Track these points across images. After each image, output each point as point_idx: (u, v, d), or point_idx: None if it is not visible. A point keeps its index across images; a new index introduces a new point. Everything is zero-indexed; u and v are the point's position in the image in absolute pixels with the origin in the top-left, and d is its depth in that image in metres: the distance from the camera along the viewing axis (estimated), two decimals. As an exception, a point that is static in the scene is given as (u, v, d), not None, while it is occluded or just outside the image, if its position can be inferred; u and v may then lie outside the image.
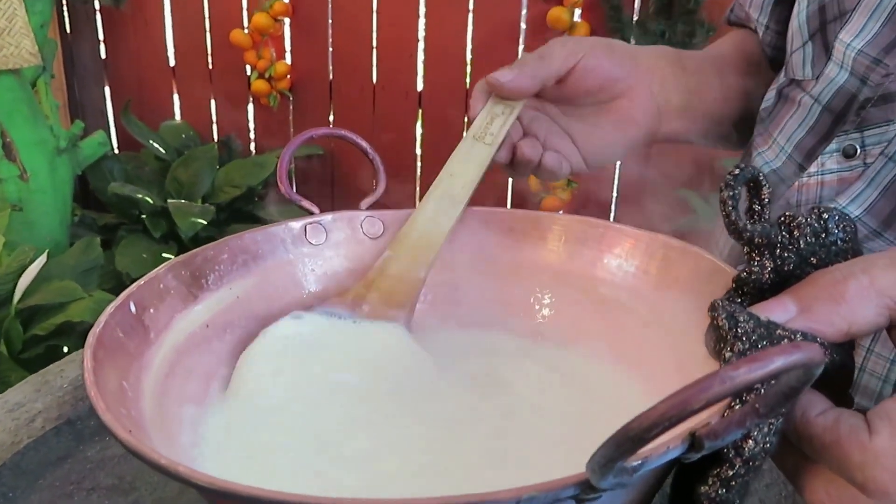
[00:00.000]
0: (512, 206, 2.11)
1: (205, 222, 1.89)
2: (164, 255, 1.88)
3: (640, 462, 0.23)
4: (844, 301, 0.28)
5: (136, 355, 0.35)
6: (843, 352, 0.29)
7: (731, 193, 0.32)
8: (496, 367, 0.45)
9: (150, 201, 1.99)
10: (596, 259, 0.46)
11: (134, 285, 0.37)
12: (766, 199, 0.33)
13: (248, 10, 2.20)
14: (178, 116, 2.44)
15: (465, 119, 2.11)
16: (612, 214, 2.03)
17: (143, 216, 2.01)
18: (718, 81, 0.62)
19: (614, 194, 2.02)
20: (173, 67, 2.37)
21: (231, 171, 2.19)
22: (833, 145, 0.51)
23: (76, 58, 2.36)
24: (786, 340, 0.27)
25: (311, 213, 0.48)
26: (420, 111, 2.16)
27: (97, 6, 2.29)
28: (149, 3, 2.28)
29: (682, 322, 0.39)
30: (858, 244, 0.33)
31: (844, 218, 0.33)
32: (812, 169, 0.52)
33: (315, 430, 0.38)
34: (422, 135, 2.19)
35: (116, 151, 2.45)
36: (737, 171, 0.32)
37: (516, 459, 0.37)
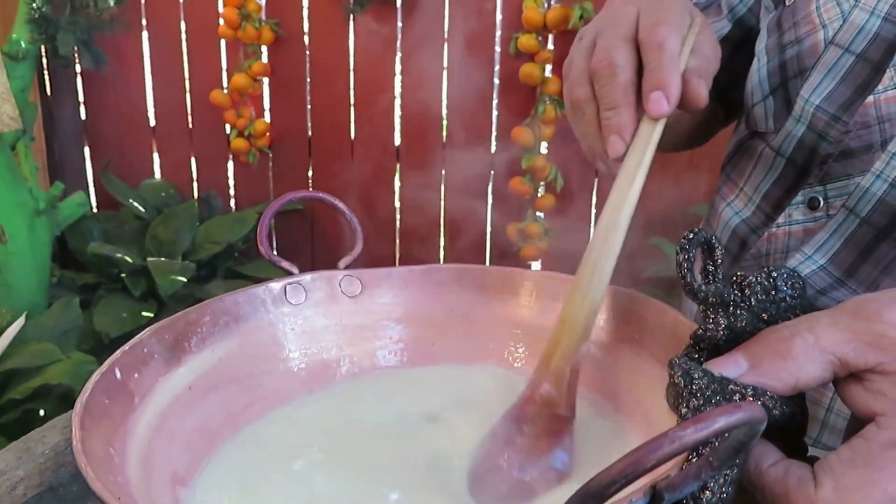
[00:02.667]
0: (491, 255, 2.14)
1: (185, 279, 1.89)
2: (144, 313, 1.88)
3: (603, 514, 0.24)
4: (791, 358, 0.30)
5: (122, 421, 0.36)
6: (793, 404, 0.31)
7: (685, 256, 0.34)
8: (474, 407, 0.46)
9: (130, 260, 1.99)
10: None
11: (119, 351, 0.38)
12: (719, 261, 0.36)
13: (227, 70, 2.24)
14: (158, 175, 2.46)
15: (443, 172, 2.15)
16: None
17: (123, 275, 2.00)
18: None
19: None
20: (153, 127, 2.39)
21: (211, 228, 2.20)
22: (799, 197, 0.54)
23: (56, 120, 2.38)
24: (738, 396, 0.29)
25: (291, 274, 0.50)
26: (398, 165, 2.20)
27: (78, 69, 2.32)
28: (129, 65, 2.32)
29: (646, 374, 0.41)
30: (807, 300, 0.35)
31: (793, 275, 0.35)
32: (780, 220, 0.55)
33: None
34: (400, 189, 2.23)
35: (95, 211, 2.45)
36: (691, 235, 0.35)
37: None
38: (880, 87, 0.49)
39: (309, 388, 0.47)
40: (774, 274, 0.35)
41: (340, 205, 0.54)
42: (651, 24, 0.44)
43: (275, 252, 0.52)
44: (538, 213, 1.98)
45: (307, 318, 0.50)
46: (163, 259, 2.01)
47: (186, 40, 2.26)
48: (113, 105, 2.39)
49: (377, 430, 0.44)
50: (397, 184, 2.22)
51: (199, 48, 2.26)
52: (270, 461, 0.41)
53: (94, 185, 2.48)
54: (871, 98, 0.49)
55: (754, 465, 0.29)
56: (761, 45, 0.60)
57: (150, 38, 2.30)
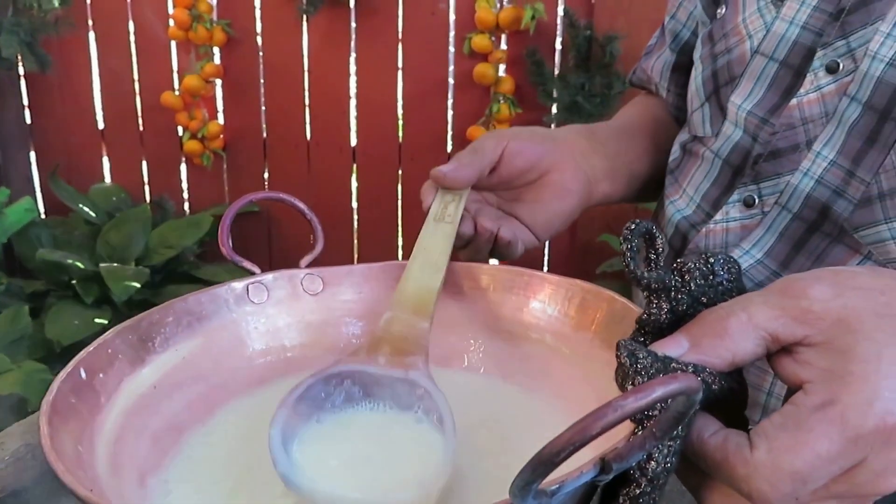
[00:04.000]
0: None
1: (139, 285, 1.86)
2: (97, 320, 1.85)
3: (557, 486, 0.26)
4: (727, 335, 0.33)
5: (89, 420, 0.36)
6: (731, 379, 0.34)
7: (629, 246, 0.36)
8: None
9: (81, 266, 1.95)
10: (522, 305, 0.50)
11: (84, 351, 0.39)
12: (661, 249, 0.38)
13: (178, 72, 2.21)
14: (108, 179, 2.41)
15: (400, 172, 2.16)
16: (545, 258, 2.10)
17: (74, 282, 1.96)
18: (631, 144, 0.69)
19: (546, 244, 2.09)
20: (102, 130, 2.35)
21: (165, 232, 2.18)
22: (735, 196, 0.57)
23: (1, 124, 2.32)
24: (680, 373, 0.31)
25: (253, 273, 0.51)
26: (354, 166, 2.21)
27: (22, 72, 2.27)
28: (75, 67, 2.28)
29: (598, 359, 0.43)
30: (742, 283, 0.38)
31: (729, 261, 0.38)
32: (718, 217, 0.58)
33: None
34: (357, 188, 2.23)
35: (44, 217, 2.39)
36: (633, 227, 0.37)
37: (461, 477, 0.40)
38: (802, 90, 0.52)
39: (272, 383, 0.48)
40: (712, 260, 0.37)
41: (301, 205, 0.55)
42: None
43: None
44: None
45: (270, 316, 0.50)
46: (115, 264, 1.97)
47: (135, 42, 2.23)
48: (59, 108, 2.34)
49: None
50: (354, 184, 2.22)
51: (149, 49, 2.22)
52: (233, 453, 0.42)
53: (42, 191, 2.43)
54: (794, 101, 0.53)
55: (696, 436, 0.31)
56: (697, 54, 0.63)
57: (96, 40, 2.26)
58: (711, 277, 0.37)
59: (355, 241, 2.28)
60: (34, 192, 2.42)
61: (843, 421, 0.29)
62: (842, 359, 0.30)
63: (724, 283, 0.37)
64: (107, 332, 0.41)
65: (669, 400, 0.29)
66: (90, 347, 0.39)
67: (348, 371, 0.43)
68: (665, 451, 0.29)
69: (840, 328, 0.31)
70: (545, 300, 0.50)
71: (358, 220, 2.26)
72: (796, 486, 0.29)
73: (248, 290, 0.50)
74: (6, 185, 2.10)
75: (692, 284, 0.36)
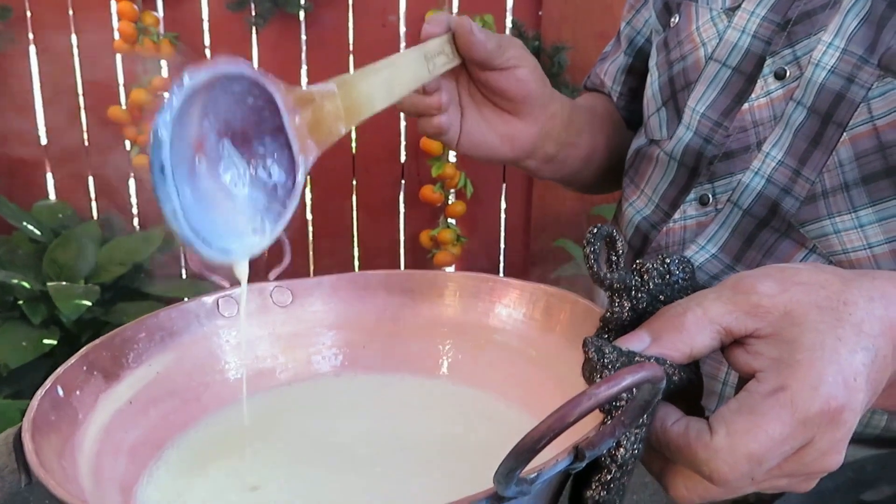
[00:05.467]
0: (406, 262, 2.17)
1: (89, 303, 1.82)
2: (46, 341, 1.79)
3: (536, 473, 0.28)
4: (685, 330, 0.35)
5: (69, 436, 0.37)
6: (689, 371, 0.36)
7: (591, 249, 0.39)
8: (403, 405, 0.49)
9: (27, 286, 1.90)
10: (488, 310, 0.52)
11: (60, 368, 0.39)
12: (621, 251, 0.40)
13: (125, 86, 2.18)
14: (52, 196, 2.35)
15: (354, 182, 2.16)
16: (501, 264, 2.13)
17: (20, 302, 1.90)
18: (588, 139, 0.71)
19: (502, 246, 2.12)
20: (45, 146, 2.29)
21: (115, 249, 2.13)
22: (691, 195, 0.60)
23: (-63, 140, 2.24)
24: (645, 362, 0.34)
25: (222, 287, 0.51)
26: (308, 178, 2.20)
27: (-42, 86, 2.20)
28: (16, 81, 2.21)
29: (564, 359, 0.45)
30: (696, 281, 0.40)
31: (683, 261, 0.40)
32: (676, 216, 0.61)
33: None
34: (311, 201, 2.22)
35: (-16, 236, 2.32)
36: (595, 230, 0.39)
37: (428, 482, 0.41)
38: (753, 95, 0.56)
39: (248, 395, 0.49)
40: (668, 260, 0.39)
41: (267, 218, 0.56)
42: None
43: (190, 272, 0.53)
44: (450, 220, 2.03)
45: (240, 330, 0.51)
46: (64, 283, 1.92)
47: (79, 55, 2.18)
48: (-1, 123, 2.27)
49: (314, 432, 0.46)
50: (308, 196, 2.22)
51: (93, 63, 2.18)
52: (209, 463, 0.42)
53: (-18, 210, 2.35)
54: (746, 105, 0.56)
55: (660, 424, 0.33)
56: (653, 61, 0.66)
57: (38, 54, 2.20)
58: (668, 276, 0.39)
59: (311, 254, 2.27)
60: (-26, 211, 2.34)
61: (793, 404, 0.31)
62: (789, 348, 0.33)
63: (680, 281, 0.39)
64: (82, 349, 0.41)
65: (635, 389, 0.31)
66: (66, 365, 0.40)
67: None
68: (632, 438, 0.31)
69: (787, 320, 0.34)
70: (510, 304, 0.51)
71: (313, 233, 2.26)
72: (752, 467, 0.31)
73: (218, 304, 0.51)
74: (-56, 205, 2.03)
75: (651, 284, 0.39)
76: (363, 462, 0.44)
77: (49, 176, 2.34)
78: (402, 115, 2.09)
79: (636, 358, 0.34)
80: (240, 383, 0.50)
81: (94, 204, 2.34)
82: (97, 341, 0.43)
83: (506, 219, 2.09)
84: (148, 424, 0.43)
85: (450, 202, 2.02)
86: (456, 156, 2.04)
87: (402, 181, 2.13)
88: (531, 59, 0.61)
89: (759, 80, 0.56)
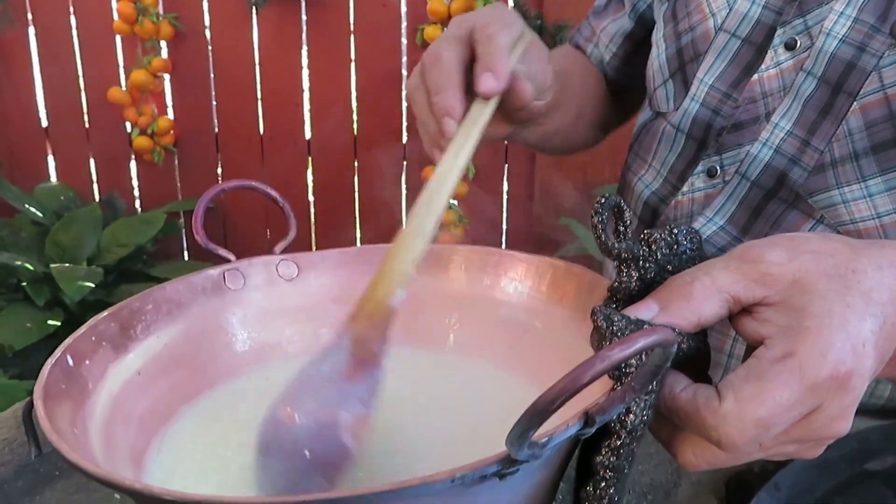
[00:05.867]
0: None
1: (92, 285, 1.82)
2: (50, 322, 1.80)
3: (548, 438, 0.28)
4: (693, 299, 0.35)
5: (80, 405, 0.37)
6: (697, 340, 0.36)
7: (599, 219, 0.39)
8: (409, 378, 0.49)
9: (31, 267, 1.90)
10: (494, 283, 0.52)
11: (69, 338, 0.39)
12: (628, 222, 0.40)
13: (125, 67, 2.17)
14: (53, 178, 2.35)
15: (356, 164, 2.16)
16: (503, 245, 2.13)
17: (24, 284, 1.91)
18: (576, 106, 0.70)
19: (504, 227, 2.12)
20: (46, 128, 2.28)
21: (117, 231, 2.13)
22: (699, 167, 0.60)
23: (-63, 123, 2.23)
24: (657, 326, 0.34)
25: (228, 261, 0.51)
26: (310, 159, 2.20)
27: (-42, 68, 2.19)
28: (16, 63, 2.20)
29: (571, 331, 0.45)
30: (704, 252, 0.40)
31: (691, 231, 0.40)
32: (684, 188, 0.61)
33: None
34: (313, 182, 2.22)
35: (-14, 219, 2.32)
36: (602, 200, 0.39)
37: (438, 452, 0.41)
38: (763, 66, 0.56)
39: (253, 368, 0.49)
40: (675, 231, 0.39)
41: (273, 193, 0.56)
42: (483, 25, 0.49)
43: (198, 246, 0.53)
44: (452, 201, 2.02)
45: (247, 302, 0.51)
46: (67, 265, 1.92)
47: (78, 36, 2.17)
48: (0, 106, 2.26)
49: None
50: (310, 177, 2.21)
51: (93, 44, 2.17)
52: (217, 432, 0.43)
53: (-16, 193, 2.35)
54: (756, 76, 0.56)
55: (668, 391, 0.34)
56: (659, 34, 0.66)
57: (37, 35, 2.19)
58: (676, 247, 0.39)
59: (313, 236, 2.27)
60: (-24, 193, 2.34)
61: (801, 370, 0.31)
62: (798, 316, 0.33)
63: (688, 251, 0.39)
64: (90, 320, 0.42)
65: (645, 355, 0.31)
66: (76, 334, 0.40)
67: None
68: (642, 404, 0.31)
69: (795, 289, 0.34)
70: (517, 278, 0.51)
71: (315, 214, 2.25)
72: (760, 432, 0.31)
73: (224, 276, 0.51)
74: (-55, 187, 2.03)
75: (658, 254, 0.39)
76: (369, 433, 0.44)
77: (50, 158, 2.34)
78: (403, 95, 2.08)
79: (645, 326, 0.34)
80: (247, 355, 0.50)
81: (95, 186, 2.34)
82: (105, 312, 0.43)
83: (508, 199, 2.09)
84: (157, 395, 0.44)
85: (452, 183, 2.01)
86: (458, 136, 2.03)
87: (405, 162, 2.13)
88: (546, 69, 0.54)
89: (769, 51, 0.55)
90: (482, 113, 0.47)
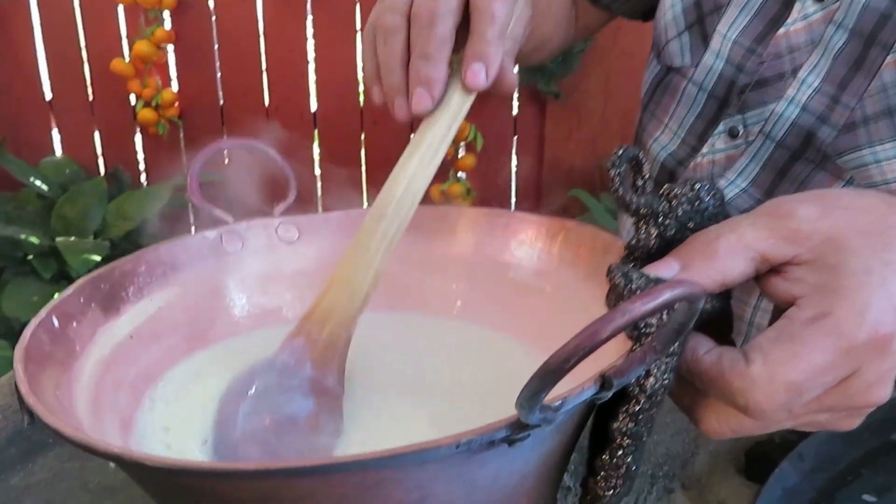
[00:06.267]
0: (414, 219, 2.14)
1: (99, 258, 1.81)
2: (56, 295, 1.79)
3: (561, 401, 0.26)
4: (718, 257, 0.33)
5: (66, 368, 0.35)
6: (721, 300, 0.34)
7: (616, 171, 0.36)
8: (414, 344, 0.47)
9: (36, 241, 1.89)
10: (503, 246, 0.50)
11: (56, 298, 0.37)
12: (647, 175, 0.38)
13: (128, 37, 2.13)
14: (58, 151, 2.33)
15: (363, 136, 2.13)
16: (511, 221, 2.10)
17: (30, 257, 1.90)
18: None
19: (513, 199, 2.09)
20: (50, 101, 2.26)
21: (122, 204, 2.11)
22: (720, 127, 0.57)
23: (-60, 96, 2.21)
24: (683, 279, 0.31)
25: (226, 222, 0.49)
26: (316, 132, 2.17)
27: (-40, 40, 2.16)
28: (17, 34, 2.18)
29: (584, 294, 0.43)
30: (726, 210, 0.38)
31: (714, 187, 0.38)
32: (704, 150, 0.58)
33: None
34: (319, 155, 2.19)
35: (-7, 193, 2.31)
36: (620, 152, 0.36)
37: (443, 418, 0.40)
38: (790, 19, 0.53)
39: (250, 332, 0.47)
40: (697, 186, 0.37)
41: (273, 152, 0.53)
42: None
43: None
44: (459, 174, 1.99)
45: (245, 266, 0.49)
46: (73, 238, 1.91)
47: (80, 6, 2.13)
48: (2, 79, 2.24)
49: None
50: (316, 151, 2.18)
51: (95, 15, 2.13)
52: (210, 392, 0.41)
53: (-10, 166, 2.33)
54: (782, 30, 0.53)
55: (691, 354, 0.31)
56: None
57: (38, 5, 2.16)
58: (697, 203, 0.37)
59: (319, 210, 2.24)
60: (-19, 167, 2.32)
61: (837, 332, 0.29)
62: (833, 274, 0.30)
63: (710, 208, 0.37)
64: (77, 280, 0.40)
65: (665, 314, 0.29)
66: (63, 294, 0.38)
67: None
68: (662, 367, 0.29)
69: (829, 246, 0.31)
70: (526, 240, 0.49)
71: (321, 189, 2.23)
72: (791, 398, 0.29)
73: (221, 238, 0.49)
74: (-50, 160, 2.01)
75: (679, 210, 0.36)
76: (370, 399, 0.43)
77: (55, 132, 2.32)
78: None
79: (666, 284, 0.32)
80: (245, 320, 0.48)
81: (100, 160, 2.32)
82: (94, 273, 0.41)
83: (517, 171, 2.05)
84: (150, 360, 0.42)
85: (459, 156, 1.98)
86: (466, 108, 2.00)
87: (412, 134, 2.09)
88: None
89: (796, 3, 0.52)
90: (462, 106, 0.42)
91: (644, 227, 0.36)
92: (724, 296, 0.34)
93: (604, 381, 0.27)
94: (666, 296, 0.22)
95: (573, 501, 0.44)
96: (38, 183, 2.13)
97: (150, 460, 0.24)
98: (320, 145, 2.18)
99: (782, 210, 0.33)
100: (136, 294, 0.43)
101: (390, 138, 2.11)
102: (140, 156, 2.30)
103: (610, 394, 0.28)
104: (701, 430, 0.32)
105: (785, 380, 0.29)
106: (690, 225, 0.36)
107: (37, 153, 2.27)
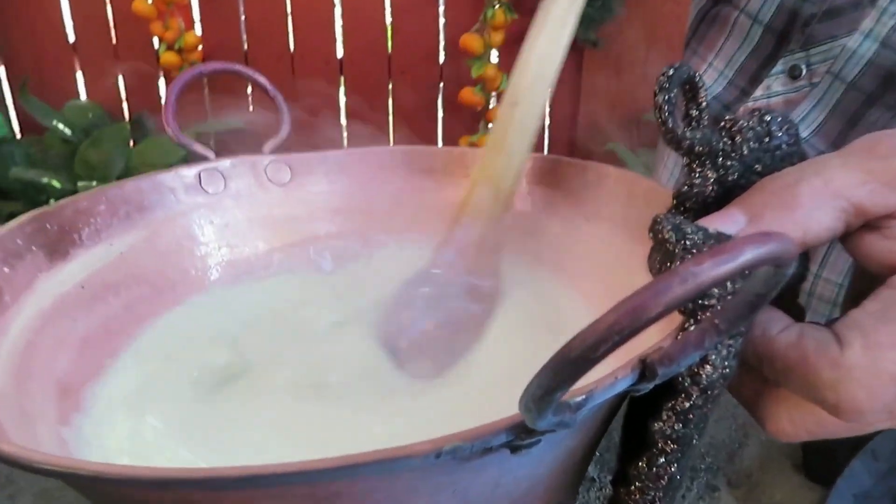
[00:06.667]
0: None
1: (118, 204, 1.77)
2: None
3: (583, 397, 0.19)
4: (798, 206, 0.25)
5: (-15, 321, 0.29)
6: (801, 265, 0.26)
7: (666, 97, 0.28)
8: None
9: (59, 185, 1.86)
10: (525, 193, 0.42)
11: (-18, 240, 0.31)
12: (704, 103, 0.30)
13: (150, -23, 2.06)
14: (83, 95, 2.29)
15: (390, 86, 2.04)
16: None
17: (52, 201, 1.87)
18: None
19: (545, 152, 2.00)
20: (73, 44, 2.21)
21: (146, 150, 2.07)
22: (778, 67, 0.48)
23: (-36, 38, 2.18)
24: (773, 232, 0.24)
25: (206, 159, 0.43)
26: (342, 78, 2.09)
27: (-17, -21, 2.11)
28: (40, -26, 2.12)
29: (616, 252, 0.36)
30: (803, 150, 0.30)
31: (787, 120, 0.30)
32: (757, 93, 0.50)
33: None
34: (346, 104, 2.12)
35: (19, 136, 2.28)
36: (671, 72, 0.29)
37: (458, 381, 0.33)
38: None
39: (230, 286, 0.41)
40: (768, 118, 0.29)
41: (262, 79, 0.46)
42: None
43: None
44: (490, 125, 1.90)
45: (227, 209, 0.43)
46: (95, 183, 1.88)
47: (102, -56, 2.06)
48: (26, 20, 2.19)
49: (303, 330, 0.38)
50: (342, 100, 2.11)
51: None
52: (180, 359, 0.35)
53: (15, 108, 2.30)
54: None
55: (761, 332, 0.24)
56: None
57: (61, -57, 2.09)
58: (767, 139, 0.29)
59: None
60: (6, 110, 2.29)
61: None
62: None
63: (784, 146, 0.29)
64: (18, 217, 0.33)
65: (731, 283, 0.22)
66: (-8, 234, 0.32)
67: None
68: (724, 352, 0.22)
69: None
70: (551, 186, 0.42)
71: (347, 139, 2.16)
72: None
73: (200, 177, 0.42)
74: (-26, 102, 1.98)
75: (745, 148, 0.29)
76: (354, 356, 0.36)
77: (79, 75, 2.27)
78: (440, 11, 1.94)
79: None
80: (224, 271, 0.42)
81: (124, 104, 2.27)
82: (39, 210, 0.35)
83: (550, 124, 1.95)
84: (106, 314, 0.36)
85: (491, 106, 1.89)
86: (498, 56, 1.90)
87: (441, 83, 2.00)
88: None
89: None
90: None
91: (699, 170, 0.29)
92: (802, 257, 0.27)
93: (645, 368, 0.20)
94: (748, 255, 0.15)
95: (596, 495, 0.37)
96: (61, 127, 2.10)
97: (61, 465, 0.18)
98: (346, 94, 2.11)
99: (883, 147, 0.25)
100: (91, 237, 0.36)
101: (418, 88, 2.03)
102: (164, 101, 2.25)
103: (651, 385, 0.21)
104: (766, 430, 0.25)
105: (894, 370, 0.21)
106: (758, 167, 0.29)
107: (61, 97, 2.23)
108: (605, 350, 0.15)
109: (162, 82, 2.22)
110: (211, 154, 0.43)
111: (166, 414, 0.32)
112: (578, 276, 0.38)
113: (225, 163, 0.43)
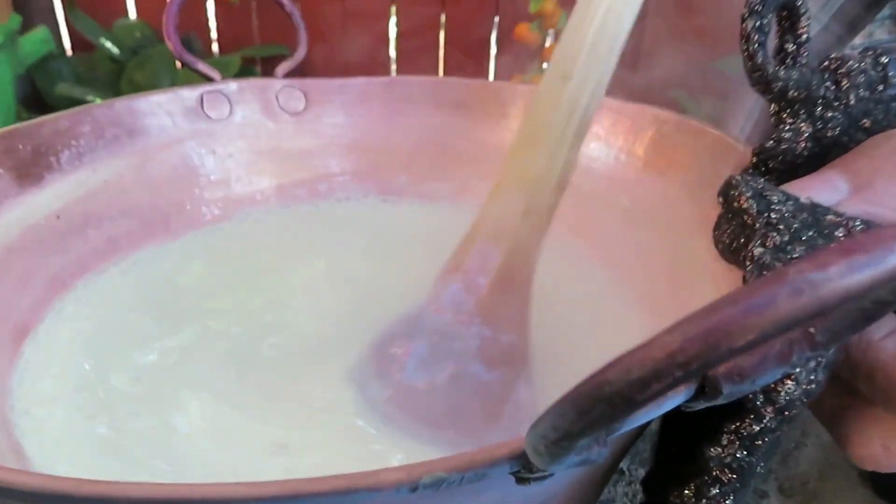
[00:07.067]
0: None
1: (160, 126, 1.75)
2: None
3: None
4: None
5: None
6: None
7: (756, 24, 0.22)
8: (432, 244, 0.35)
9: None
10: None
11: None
12: (804, 36, 0.24)
13: None
14: (133, 14, 2.25)
15: (443, 17, 1.95)
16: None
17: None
18: None
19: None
20: (124, -42, 2.16)
21: (192, 73, 2.04)
22: (885, 11, 0.41)
23: (15, -54, 2.14)
24: (841, 231, 0.18)
25: (212, 80, 0.38)
26: (393, 8, 2.00)
27: None
28: None
29: (675, 216, 0.30)
30: (928, 102, 0.24)
31: (910, 64, 0.23)
32: (857, 41, 0.43)
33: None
34: (396, 35, 2.04)
35: (70, 53, 2.27)
36: (768, -8, 0.22)
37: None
38: None
39: (229, 222, 0.37)
40: (885, 59, 0.23)
41: (279, -9, 0.41)
42: None
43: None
44: (545, 65, 1.81)
45: (231, 138, 0.38)
46: (137, 104, 1.86)
47: None
48: (76, -69, 2.15)
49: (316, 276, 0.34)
50: (392, 30, 2.03)
51: None
52: (166, 308, 0.31)
53: (67, 26, 2.29)
54: None
55: (859, 337, 0.19)
56: None
57: None
58: (882, 88, 0.23)
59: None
60: (57, 24, 2.28)
61: None
62: None
63: (904, 97, 0.23)
64: (-18, 137, 0.29)
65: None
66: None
67: None
68: (812, 363, 0.17)
69: None
70: (602, 133, 0.36)
71: (396, 71, 2.08)
72: None
73: (202, 99, 0.37)
74: (27, 14, 1.97)
75: (852, 96, 0.22)
76: (354, 296, 0.32)
77: (129, -8, 2.24)
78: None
79: (828, 217, 0.19)
80: (225, 205, 0.37)
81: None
82: (9, 127, 0.30)
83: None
84: (85, 249, 0.32)
85: (547, 45, 1.79)
86: (560, -11, 1.79)
87: (496, 17, 1.90)
88: None
89: None
90: None
91: (791, 121, 0.23)
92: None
93: (705, 382, 0.15)
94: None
95: (625, 490, 0.32)
96: (108, 45, 2.08)
97: None
98: (397, 24, 2.02)
99: None
100: (71, 161, 0.32)
101: (472, 21, 1.93)
102: (212, 23, 2.20)
103: (710, 403, 0.15)
104: (851, 455, 0.20)
105: None
106: (866, 122, 0.23)
107: (110, 14, 2.20)
108: (657, 390, 0.10)
109: (211, 4, 2.17)
110: (217, 75, 0.38)
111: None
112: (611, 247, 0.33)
113: (231, 85, 0.38)
